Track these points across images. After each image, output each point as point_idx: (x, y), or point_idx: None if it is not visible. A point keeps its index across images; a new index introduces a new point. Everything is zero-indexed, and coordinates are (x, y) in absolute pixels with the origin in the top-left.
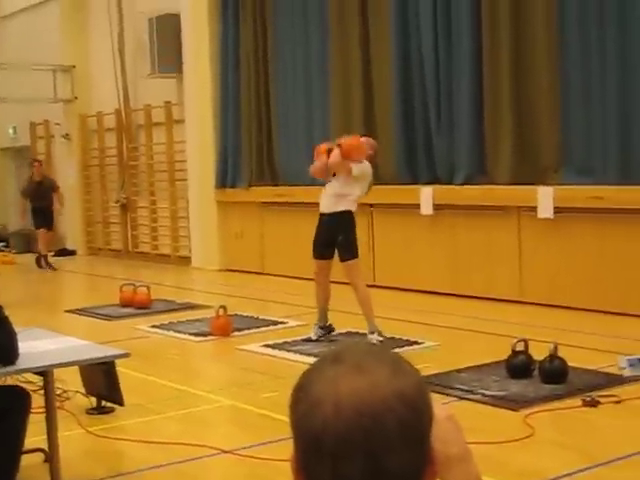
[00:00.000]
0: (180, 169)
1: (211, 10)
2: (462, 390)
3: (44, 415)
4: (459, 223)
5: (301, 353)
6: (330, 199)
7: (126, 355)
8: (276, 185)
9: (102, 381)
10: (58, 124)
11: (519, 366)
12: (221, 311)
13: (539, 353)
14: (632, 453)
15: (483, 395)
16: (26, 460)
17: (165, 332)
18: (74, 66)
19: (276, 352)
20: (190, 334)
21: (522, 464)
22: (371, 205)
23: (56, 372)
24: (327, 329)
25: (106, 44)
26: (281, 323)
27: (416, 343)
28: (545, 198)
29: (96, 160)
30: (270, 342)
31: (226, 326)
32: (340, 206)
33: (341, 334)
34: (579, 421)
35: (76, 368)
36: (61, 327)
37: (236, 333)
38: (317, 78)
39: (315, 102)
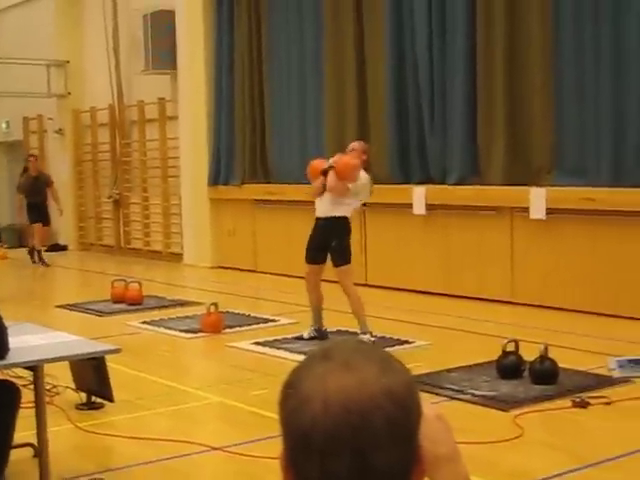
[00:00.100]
0: (173, 166)
1: (206, 7)
2: (452, 390)
3: (34, 410)
4: (452, 223)
5: (291, 351)
6: (327, 204)
7: (117, 351)
8: (268, 183)
9: (92, 377)
10: (51, 119)
11: (509, 367)
12: (212, 308)
13: (530, 354)
14: (621, 454)
15: (473, 395)
16: (15, 455)
17: (156, 328)
18: (68, 61)
19: (266, 350)
20: (181, 331)
21: (512, 464)
22: (364, 204)
23: (46, 367)
24: (321, 334)
25: (100, 40)
26: (272, 321)
27: (407, 342)
28: (537, 199)
29: (89, 156)
30: (261, 340)
31: (217, 323)
32: (337, 212)
33: (332, 333)
34: (569, 422)
35: (66, 363)
36: (52, 322)
37: (227, 330)
38: (311, 76)
39: (309, 101)
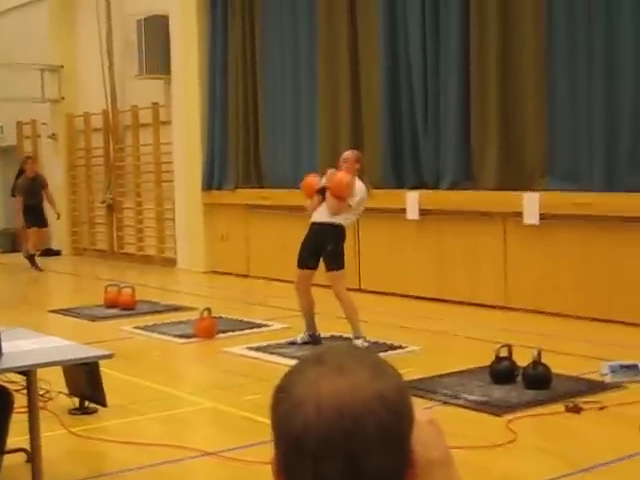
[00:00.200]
0: (166, 170)
1: (200, 11)
2: (445, 395)
3: (26, 415)
4: (445, 228)
5: (284, 356)
6: (324, 213)
7: (110, 356)
8: (262, 188)
9: (85, 381)
10: (45, 124)
11: (503, 372)
12: (205, 313)
13: (523, 359)
14: (613, 459)
15: (466, 400)
16: (8, 460)
17: (149, 333)
18: (62, 66)
19: (260, 355)
20: (174, 336)
21: (504, 469)
22: None
23: (39, 372)
24: (315, 339)
25: (94, 44)
26: (265, 326)
27: (400, 347)
28: (531, 204)
29: (82, 160)
30: (254, 345)
31: (210, 328)
32: (334, 219)
33: (325, 338)
34: (562, 427)
35: (59, 368)
36: (45, 327)
37: (220, 335)
38: (305, 79)
39: (302, 104)
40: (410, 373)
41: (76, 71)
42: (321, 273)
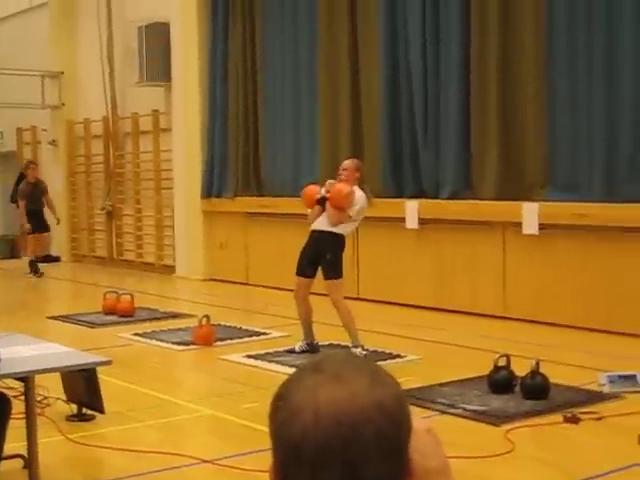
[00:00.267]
0: (166, 178)
1: (201, 19)
2: (443, 404)
3: (24, 421)
4: (444, 238)
5: (283, 364)
6: (325, 220)
7: (108, 362)
8: (261, 196)
9: (83, 388)
10: (45, 130)
11: (501, 381)
12: (204, 321)
13: (521, 369)
14: (611, 470)
15: (464, 409)
16: (5, 466)
17: (148, 340)
18: (62, 72)
19: (258, 363)
20: (173, 343)
21: (502, 479)
22: None
23: (37, 378)
24: (313, 347)
25: (95, 51)
26: (264, 334)
27: (399, 356)
28: (530, 214)
29: (82, 167)
30: (252, 353)
31: (209, 336)
32: (334, 229)
33: (323, 346)
34: (559, 437)
35: (57, 375)
36: (44, 333)
37: (218, 343)
38: (305, 88)
39: (303, 113)
40: (409, 382)
41: (76, 77)
42: (320, 281)
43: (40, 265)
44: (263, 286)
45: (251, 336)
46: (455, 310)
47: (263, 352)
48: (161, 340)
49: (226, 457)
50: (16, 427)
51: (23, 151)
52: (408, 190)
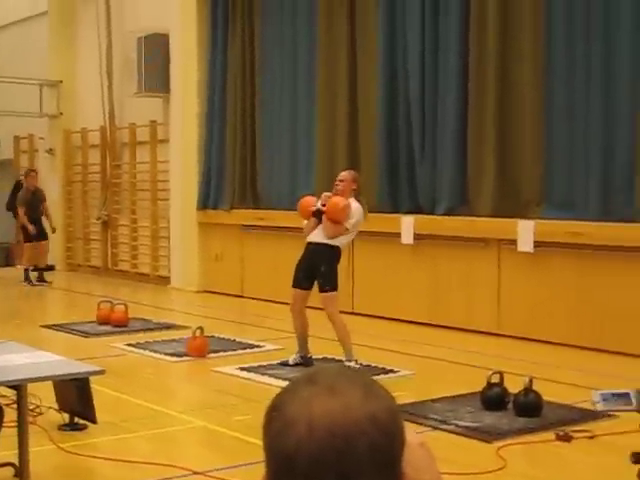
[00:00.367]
0: (163, 189)
1: (200, 31)
2: (436, 420)
3: (16, 429)
4: (439, 254)
5: (276, 377)
6: (321, 233)
7: (101, 372)
8: (257, 208)
9: (75, 397)
10: (42, 139)
11: (494, 398)
12: (198, 332)
13: (514, 386)
14: None
15: (457, 426)
16: None
17: (141, 351)
18: (61, 81)
19: (251, 375)
20: (166, 354)
21: None
22: None
23: (30, 387)
24: (306, 361)
25: (94, 61)
26: (257, 346)
27: (392, 371)
28: (525, 232)
29: (79, 176)
30: (246, 365)
31: (202, 347)
32: (330, 241)
33: (317, 360)
34: (552, 455)
35: (50, 383)
36: (37, 342)
37: (212, 355)
38: (303, 102)
39: (300, 129)
40: (401, 397)
41: (75, 87)
42: (316, 294)
43: (33, 274)
44: (258, 299)
45: (245, 348)
46: (449, 326)
47: (256, 365)
48: (154, 351)
49: (217, 469)
50: (8, 435)
51: (20, 159)
52: (404, 205)
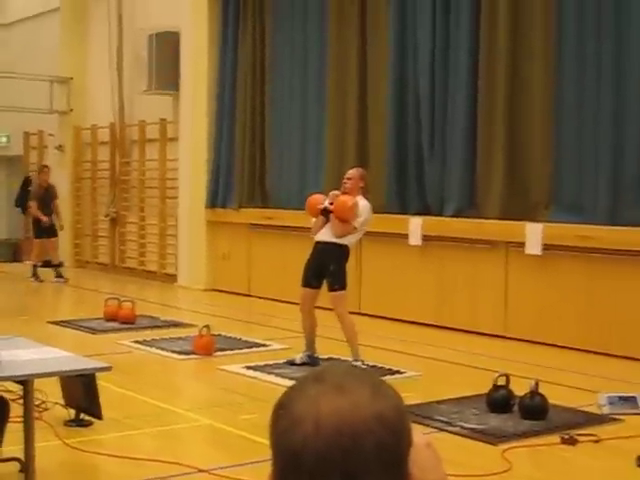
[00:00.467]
0: (171, 187)
1: (211, 29)
2: (441, 422)
3: (22, 424)
4: (447, 255)
5: (282, 376)
6: (329, 233)
7: (107, 369)
8: (266, 207)
9: (82, 394)
10: (52, 135)
11: (499, 400)
12: (205, 330)
13: (520, 389)
14: None
15: (462, 428)
16: (1, 468)
17: (148, 348)
18: (71, 78)
19: (257, 374)
20: (173, 352)
21: None
22: None
23: (36, 383)
24: (313, 360)
25: (104, 58)
26: (264, 345)
27: (398, 372)
28: (533, 235)
29: (88, 173)
30: (252, 364)
31: (209, 345)
32: (338, 239)
33: (324, 360)
34: (557, 458)
35: (56, 379)
36: (44, 338)
37: (219, 353)
38: (313, 101)
39: (309, 129)
40: (407, 398)
41: (85, 84)
42: (325, 294)
43: (41, 270)
44: (265, 298)
45: (251, 347)
46: (456, 328)
47: (263, 364)
48: (161, 348)
49: (223, 467)
50: (14, 430)
51: (30, 156)
52: (412, 205)
